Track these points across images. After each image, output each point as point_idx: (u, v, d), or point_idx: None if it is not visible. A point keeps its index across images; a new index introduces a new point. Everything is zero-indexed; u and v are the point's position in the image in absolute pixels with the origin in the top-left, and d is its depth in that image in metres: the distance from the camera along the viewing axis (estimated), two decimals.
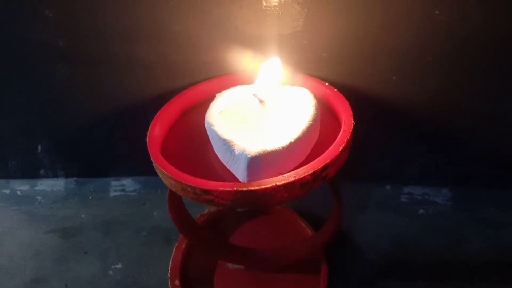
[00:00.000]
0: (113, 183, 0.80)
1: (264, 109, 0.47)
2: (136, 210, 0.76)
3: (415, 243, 0.69)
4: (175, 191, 0.45)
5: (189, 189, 0.42)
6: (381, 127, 0.68)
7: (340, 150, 0.43)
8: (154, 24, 0.56)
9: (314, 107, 0.47)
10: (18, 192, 0.79)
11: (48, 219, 0.75)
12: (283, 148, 0.42)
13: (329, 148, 0.44)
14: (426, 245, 0.69)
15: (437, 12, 0.52)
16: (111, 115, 0.69)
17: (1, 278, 0.67)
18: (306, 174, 0.41)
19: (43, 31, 0.57)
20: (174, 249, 0.66)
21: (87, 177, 0.80)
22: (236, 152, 0.43)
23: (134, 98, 0.66)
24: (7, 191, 0.80)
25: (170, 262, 0.65)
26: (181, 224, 0.58)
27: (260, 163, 0.42)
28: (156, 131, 0.51)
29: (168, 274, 0.63)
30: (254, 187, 0.40)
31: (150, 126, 0.51)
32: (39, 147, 0.74)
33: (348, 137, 0.45)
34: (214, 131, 0.45)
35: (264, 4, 0.52)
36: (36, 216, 0.76)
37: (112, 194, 0.78)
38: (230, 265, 0.66)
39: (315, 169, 0.41)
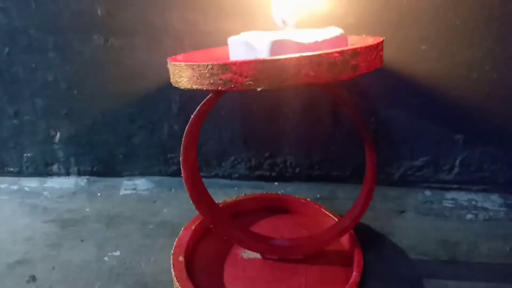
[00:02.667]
0: (125, 182, 0.74)
1: (287, 29, 0.46)
2: (145, 207, 0.69)
3: (466, 247, 0.57)
4: (191, 86, 0.41)
5: (205, 71, 0.38)
6: (412, 112, 0.63)
7: (370, 44, 0.40)
8: None
9: (343, 31, 0.45)
10: (26, 188, 0.75)
11: (50, 211, 0.69)
12: (308, 43, 0.40)
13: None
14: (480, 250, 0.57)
15: None
16: (134, 97, 0.68)
17: None
18: (334, 51, 0.37)
19: (85, 0, 0.62)
20: (181, 230, 0.58)
21: (99, 176, 0.75)
22: (258, 45, 0.40)
23: (160, 76, 0.66)
24: (15, 187, 0.75)
25: (176, 241, 0.55)
26: (198, 199, 0.51)
27: (282, 49, 0.39)
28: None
29: (172, 251, 0.54)
30: (276, 58, 0.36)
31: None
32: (58, 135, 0.73)
33: (380, 43, 0.42)
34: (234, 41, 0.44)
35: None
36: (38, 208, 0.70)
37: (122, 192, 0.73)
38: (245, 254, 0.56)
39: (343, 50, 0.38)
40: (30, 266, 0.57)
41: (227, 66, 0.37)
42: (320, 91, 0.65)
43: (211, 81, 0.39)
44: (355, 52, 0.38)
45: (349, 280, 0.49)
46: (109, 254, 0.59)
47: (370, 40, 0.44)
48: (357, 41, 0.49)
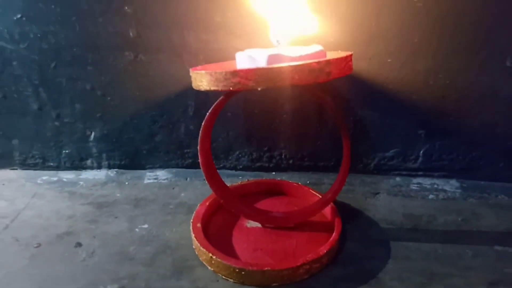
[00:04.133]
0: (148, 173, 0.89)
1: (280, 47, 0.61)
2: (166, 192, 0.83)
3: (427, 219, 0.72)
4: (209, 87, 0.55)
5: (221, 77, 0.53)
6: (384, 112, 0.78)
7: (341, 56, 0.55)
8: (200, 15, 0.75)
9: (322, 48, 0.61)
10: (64, 179, 0.89)
11: (86, 196, 0.83)
12: (295, 56, 0.55)
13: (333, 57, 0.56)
14: (438, 221, 0.71)
15: (415, 0, 0.69)
16: (157, 103, 0.83)
17: (36, 232, 0.72)
18: (313, 62, 0.52)
19: (120, 23, 0.77)
20: (198, 206, 0.72)
21: (126, 168, 0.90)
22: (258, 58, 0.55)
23: (179, 85, 0.81)
24: (55, 179, 0.90)
25: (194, 213, 0.70)
26: (212, 179, 0.66)
27: (276, 60, 0.54)
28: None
29: (191, 220, 0.68)
30: (272, 67, 0.51)
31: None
32: (93, 134, 0.87)
33: (349, 56, 0.57)
34: (239, 56, 0.59)
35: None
36: (76, 194, 0.84)
37: (146, 181, 0.87)
38: (249, 224, 0.70)
39: (320, 61, 0.53)
40: (75, 236, 0.71)
41: (236, 73, 0.52)
42: (309, 97, 0.80)
43: (225, 84, 0.53)
44: (328, 62, 0.53)
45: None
46: (139, 226, 0.73)
47: (342, 54, 0.59)
48: (333, 55, 0.64)
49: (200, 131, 0.64)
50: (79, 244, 0.69)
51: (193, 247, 0.65)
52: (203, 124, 0.64)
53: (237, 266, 0.57)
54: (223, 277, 0.59)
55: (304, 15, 0.66)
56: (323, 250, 0.60)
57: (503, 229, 0.68)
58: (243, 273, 0.57)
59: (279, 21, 0.64)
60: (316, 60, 0.53)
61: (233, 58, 0.66)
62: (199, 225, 0.67)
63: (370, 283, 0.57)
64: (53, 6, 0.78)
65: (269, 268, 0.57)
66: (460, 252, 0.63)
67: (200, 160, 0.66)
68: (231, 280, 0.58)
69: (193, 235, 0.64)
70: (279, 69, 0.51)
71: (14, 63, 0.83)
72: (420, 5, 0.70)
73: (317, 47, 0.61)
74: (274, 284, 0.57)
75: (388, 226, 0.70)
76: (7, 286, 0.59)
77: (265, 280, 0.57)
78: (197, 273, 0.61)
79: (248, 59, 0.58)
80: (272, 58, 0.55)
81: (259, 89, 0.53)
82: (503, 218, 0.71)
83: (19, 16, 0.79)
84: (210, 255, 0.59)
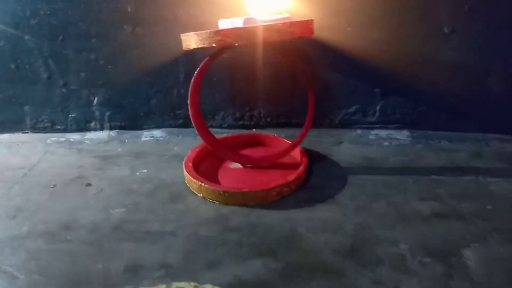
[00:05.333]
0: (145, 133, 1.02)
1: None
2: (161, 147, 0.97)
3: (380, 160, 0.86)
4: (197, 45, 0.69)
5: (206, 36, 0.67)
6: (346, 74, 0.93)
7: (304, 21, 0.69)
8: None
9: (290, 15, 0.74)
10: (71, 139, 1.02)
11: (92, 151, 0.96)
12: (267, 20, 0.69)
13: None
14: (389, 161, 0.86)
15: None
16: (152, 70, 0.97)
17: (50, 177, 0.85)
18: (279, 23, 0.66)
19: (120, 0, 0.90)
20: (189, 152, 0.85)
21: (125, 129, 1.03)
22: (236, 22, 0.69)
23: (171, 54, 0.94)
24: (63, 139, 1.02)
25: (186, 157, 0.83)
26: (201, 128, 0.79)
27: (251, 22, 0.67)
28: None
29: (183, 162, 0.81)
30: (247, 27, 0.65)
31: None
32: (96, 99, 1.00)
33: (310, 21, 0.71)
34: (222, 22, 0.73)
35: None
36: (83, 150, 0.97)
37: (143, 139, 1.00)
38: (232, 165, 0.84)
39: (285, 23, 0.66)
40: (85, 179, 0.84)
41: (218, 32, 0.66)
42: (284, 62, 0.94)
43: (209, 41, 0.67)
44: (292, 23, 0.67)
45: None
46: (139, 171, 0.86)
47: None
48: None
49: (190, 87, 0.78)
50: (89, 184, 0.82)
51: (185, 181, 0.79)
52: (192, 80, 0.78)
53: (221, 189, 0.71)
54: (210, 200, 0.73)
55: None
56: (291, 177, 0.74)
57: (440, 165, 0.83)
58: (226, 194, 0.71)
59: None
60: (281, 23, 0.66)
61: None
62: (190, 164, 0.80)
63: (328, 202, 0.72)
64: None
65: (247, 190, 0.71)
66: (403, 180, 0.78)
67: (190, 113, 0.79)
68: (217, 202, 0.72)
69: (185, 171, 0.78)
70: (253, 28, 0.65)
71: (26, 37, 0.95)
72: None
73: (285, 15, 0.75)
74: (252, 203, 0.71)
75: (348, 166, 0.85)
76: (35, 215, 0.72)
77: (244, 200, 0.71)
78: (189, 199, 0.74)
79: (228, 23, 0.72)
80: (247, 20, 0.68)
81: (236, 44, 0.66)
82: (442, 158, 0.86)
83: None
84: (200, 183, 0.73)
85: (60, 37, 0.95)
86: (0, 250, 0.63)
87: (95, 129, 1.04)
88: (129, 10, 0.91)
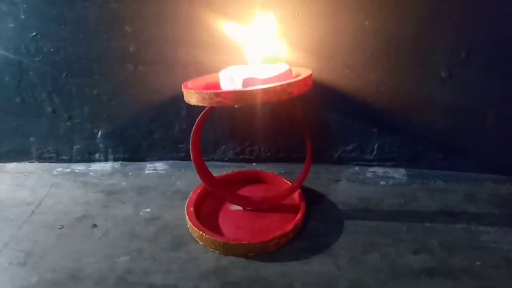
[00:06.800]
0: (148, 165, 1.05)
1: (254, 66, 0.76)
2: (164, 181, 0.99)
3: (376, 201, 0.89)
4: (198, 103, 0.71)
5: (206, 96, 0.69)
6: (344, 114, 0.94)
7: (301, 78, 0.70)
8: (190, 34, 0.89)
9: (289, 67, 0.76)
10: (76, 170, 1.05)
11: (96, 185, 0.99)
12: (265, 78, 0.70)
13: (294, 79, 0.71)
14: (384, 203, 0.89)
15: (366, 23, 0.84)
16: (154, 106, 0.98)
17: (57, 215, 0.88)
18: (277, 86, 0.67)
19: (121, 40, 0.91)
20: (191, 193, 0.88)
21: (129, 161, 1.06)
22: (236, 79, 0.70)
23: (173, 92, 0.96)
24: (68, 170, 1.05)
25: (187, 200, 0.86)
26: (202, 172, 0.82)
27: (249, 83, 0.69)
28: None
29: (186, 205, 0.84)
30: (245, 90, 0.67)
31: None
32: (100, 132, 1.03)
33: (308, 77, 0.72)
34: (222, 75, 0.74)
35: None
36: (88, 183, 1.00)
37: (146, 172, 1.03)
38: (233, 207, 0.87)
39: (282, 84, 0.68)
40: (91, 218, 0.87)
41: (218, 94, 0.68)
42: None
43: (209, 101, 0.69)
44: (290, 84, 0.69)
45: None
46: (143, 210, 0.89)
47: (304, 73, 0.74)
48: (298, 71, 0.80)
49: (191, 134, 0.80)
50: (95, 225, 0.85)
51: (187, 226, 0.82)
52: (193, 128, 0.80)
53: (222, 241, 0.74)
54: (211, 249, 0.76)
55: (273, 40, 0.80)
56: (289, 227, 0.77)
57: (435, 209, 0.86)
58: (226, 246, 0.74)
59: (252, 44, 0.79)
60: (279, 84, 0.68)
61: (219, 70, 0.81)
62: (191, 209, 0.83)
63: (325, 252, 0.75)
64: (63, 26, 0.91)
65: (246, 242, 0.74)
66: (397, 227, 0.81)
67: (192, 157, 0.81)
68: (218, 252, 0.75)
69: (187, 217, 0.81)
70: (251, 91, 0.67)
71: (30, 73, 0.97)
72: (369, 26, 0.85)
73: (284, 66, 0.76)
74: (251, 254, 0.74)
75: (345, 208, 0.87)
76: (44, 258, 0.75)
77: (244, 251, 0.74)
78: (191, 247, 0.78)
79: (228, 79, 0.73)
80: (246, 81, 0.70)
81: (236, 106, 0.68)
82: (436, 200, 0.88)
83: (34, 33, 0.92)
84: (201, 233, 0.76)
85: (64, 74, 0.97)
86: None
87: (99, 160, 1.06)
88: (131, 49, 0.92)
